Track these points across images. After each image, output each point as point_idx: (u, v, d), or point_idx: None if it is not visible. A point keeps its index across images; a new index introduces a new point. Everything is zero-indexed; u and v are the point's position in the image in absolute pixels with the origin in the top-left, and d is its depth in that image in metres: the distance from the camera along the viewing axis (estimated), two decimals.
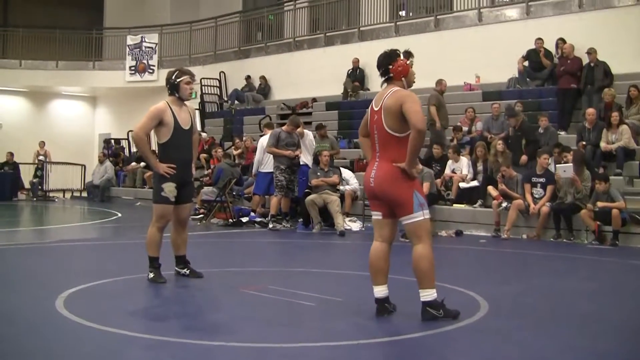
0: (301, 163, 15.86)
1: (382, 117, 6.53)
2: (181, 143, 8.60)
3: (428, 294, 6.46)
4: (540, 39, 19.27)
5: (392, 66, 6.63)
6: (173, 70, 8.86)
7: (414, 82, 6.83)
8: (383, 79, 6.75)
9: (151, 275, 8.58)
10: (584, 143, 15.39)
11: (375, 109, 6.64)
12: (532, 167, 15.08)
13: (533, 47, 19.37)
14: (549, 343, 5.90)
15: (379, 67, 6.75)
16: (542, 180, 14.32)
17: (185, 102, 8.77)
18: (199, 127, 26.69)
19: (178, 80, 8.59)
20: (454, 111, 19.02)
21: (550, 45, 19.24)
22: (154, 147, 9.57)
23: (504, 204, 14.55)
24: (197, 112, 27.73)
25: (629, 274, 10.63)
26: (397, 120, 6.45)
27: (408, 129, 6.41)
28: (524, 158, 15.68)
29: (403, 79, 6.64)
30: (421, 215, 6.47)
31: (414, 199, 6.45)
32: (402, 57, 6.74)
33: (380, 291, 6.80)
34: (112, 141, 29.31)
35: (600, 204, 13.28)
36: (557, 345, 5.84)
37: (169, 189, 8.50)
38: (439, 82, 18.30)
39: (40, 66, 31.63)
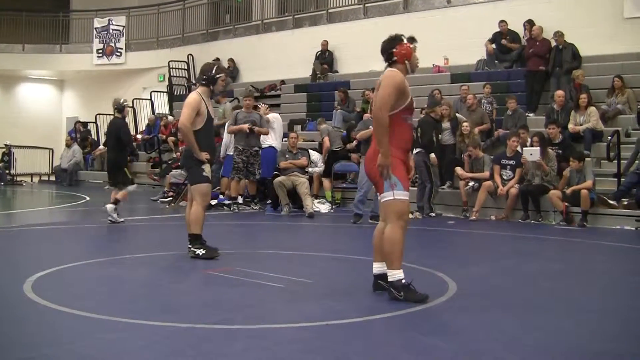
0: (266, 145, 15.83)
1: (374, 96, 6.68)
2: (209, 130, 9.24)
3: (391, 274, 6.53)
4: (504, 21, 19.37)
5: (396, 49, 6.75)
6: (212, 63, 9.51)
7: (417, 65, 6.93)
8: (387, 63, 6.84)
9: (202, 251, 8.87)
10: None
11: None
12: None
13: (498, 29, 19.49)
14: (515, 322, 5.94)
15: (382, 51, 6.85)
16: (511, 162, 14.40)
17: None
18: (167, 111, 26.80)
19: (217, 76, 9.13)
20: (421, 93, 18.96)
21: (519, 27, 19.29)
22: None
23: (471, 184, 14.65)
24: (165, 95, 27.87)
25: (596, 254, 10.73)
26: None
27: (391, 109, 6.52)
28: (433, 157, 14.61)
29: (407, 62, 6.75)
30: (390, 195, 6.48)
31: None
32: (405, 41, 6.83)
33: (375, 267, 6.88)
34: (78, 124, 28.96)
35: (569, 190, 13.37)
36: (523, 324, 5.88)
37: (208, 170, 9.07)
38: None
39: (7, 49, 31.28)
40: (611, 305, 6.84)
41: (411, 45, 6.80)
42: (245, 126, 15.01)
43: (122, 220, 12.74)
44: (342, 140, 17.50)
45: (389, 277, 6.56)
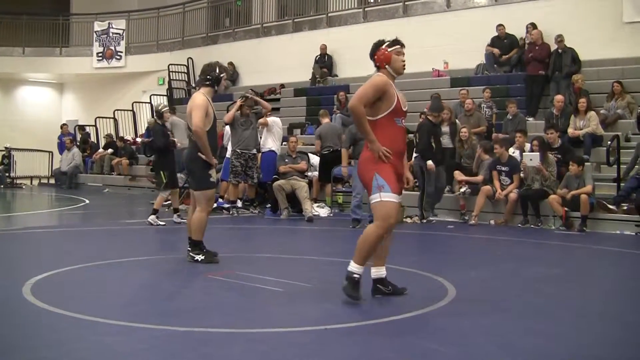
0: (266, 149, 15.87)
1: None
2: (214, 131, 9.09)
3: (351, 265, 6.60)
4: (501, 25, 19.37)
5: (376, 55, 6.86)
6: (213, 64, 9.25)
7: (403, 68, 6.94)
8: (376, 69, 6.96)
9: (201, 257, 8.79)
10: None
11: None
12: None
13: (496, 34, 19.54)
14: (515, 327, 5.95)
15: (370, 58, 6.98)
16: (506, 169, 14.35)
17: None
18: None
19: (221, 75, 9.02)
20: (421, 97, 18.97)
21: (518, 31, 19.29)
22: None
23: (463, 189, 14.64)
24: (165, 99, 27.85)
25: (594, 259, 10.74)
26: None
27: (377, 112, 6.64)
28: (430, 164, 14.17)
29: (387, 66, 6.83)
30: (378, 197, 6.52)
31: (373, 181, 6.54)
32: (384, 45, 6.91)
33: (373, 272, 6.93)
34: (65, 127, 28.85)
35: (568, 194, 13.35)
36: (522, 329, 5.88)
37: (214, 174, 9.04)
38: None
39: (7, 52, 31.27)
40: (611, 310, 6.85)
41: (391, 49, 6.86)
42: (241, 101, 15.13)
43: (163, 223, 13.16)
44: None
45: (348, 267, 6.62)
